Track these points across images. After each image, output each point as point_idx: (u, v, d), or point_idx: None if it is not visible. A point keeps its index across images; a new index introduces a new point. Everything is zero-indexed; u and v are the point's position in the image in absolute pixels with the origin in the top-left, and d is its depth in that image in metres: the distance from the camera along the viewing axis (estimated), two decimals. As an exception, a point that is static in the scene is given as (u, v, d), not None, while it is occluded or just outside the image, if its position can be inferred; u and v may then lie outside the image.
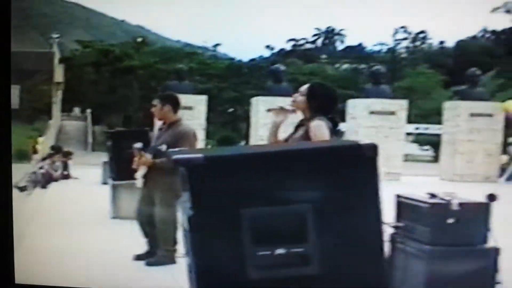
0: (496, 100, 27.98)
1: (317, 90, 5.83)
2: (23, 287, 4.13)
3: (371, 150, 4.08)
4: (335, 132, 5.60)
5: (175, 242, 7.53)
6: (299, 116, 5.79)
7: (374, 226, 4.21)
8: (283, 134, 5.78)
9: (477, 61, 47.83)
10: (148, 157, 7.53)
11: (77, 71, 45.57)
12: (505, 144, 25.19)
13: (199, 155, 3.93)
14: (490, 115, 24.00)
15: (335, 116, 5.73)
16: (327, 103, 5.72)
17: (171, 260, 7.52)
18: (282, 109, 5.80)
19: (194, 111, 23.11)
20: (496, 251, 5.21)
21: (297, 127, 5.71)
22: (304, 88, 5.79)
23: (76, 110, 51.87)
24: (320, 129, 5.47)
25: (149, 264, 7.53)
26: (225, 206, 3.91)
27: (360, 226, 4.13)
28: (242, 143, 35.07)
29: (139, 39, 52.61)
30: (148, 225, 7.68)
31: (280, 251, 3.90)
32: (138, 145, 7.62)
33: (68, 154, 20.38)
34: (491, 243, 5.25)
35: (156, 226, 7.62)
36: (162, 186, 7.34)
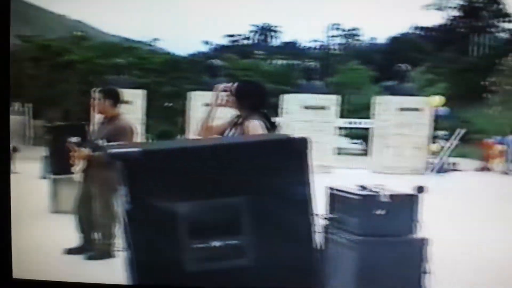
0: (425, 95, 28.38)
1: (245, 89, 5.75)
2: (21, 281, 4.07)
3: (303, 144, 4.09)
4: (269, 127, 5.59)
5: (113, 236, 7.45)
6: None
7: (306, 217, 4.22)
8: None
9: (407, 57, 48.39)
10: (85, 151, 7.43)
11: (17, 66, 44.83)
12: (435, 138, 25.60)
13: (136, 149, 3.88)
14: (418, 110, 24.33)
15: (268, 111, 5.71)
16: (257, 100, 5.67)
17: (110, 254, 7.45)
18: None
19: (132, 106, 22.95)
20: (424, 241, 5.27)
21: (233, 125, 5.66)
22: (233, 86, 5.71)
23: (16, 105, 51.10)
24: (256, 129, 5.43)
25: (88, 258, 7.45)
26: (162, 200, 3.88)
27: (293, 218, 4.13)
28: (181, 137, 34.94)
29: (79, 34, 51.95)
30: (86, 219, 7.60)
31: (216, 243, 3.88)
32: (74, 139, 7.51)
33: (15, 150, 20.04)
34: (419, 234, 5.30)
35: (94, 220, 7.54)
36: (100, 180, 7.24)
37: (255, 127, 5.44)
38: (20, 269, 6.49)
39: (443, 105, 26.60)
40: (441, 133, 26.21)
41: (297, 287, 4.13)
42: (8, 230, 3.65)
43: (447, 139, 26.04)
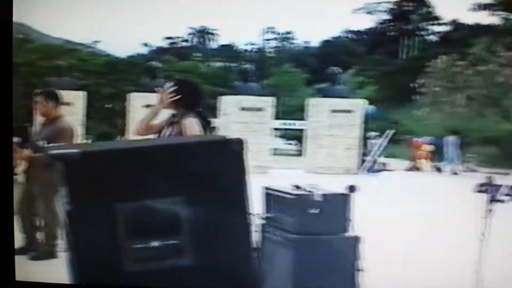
0: (356, 97, 28.63)
1: (183, 87, 5.76)
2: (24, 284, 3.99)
3: (239, 144, 4.11)
4: (205, 126, 5.60)
5: (55, 237, 7.36)
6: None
7: (242, 217, 4.23)
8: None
9: (338, 60, 48.77)
10: (26, 152, 7.33)
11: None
12: (366, 138, 25.85)
13: (75, 150, 3.85)
14: (349, 111, 24.51)
15: (204, 110, 5.72)
16: (194, 99, 5.70)
17: (53, 255, 7.36)
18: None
19: (73, 107, 22.66)
20: (356, 239, 5.30)
21: (171, 124, 5.65)
22: (169, 86, 5.71)
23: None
24: (192, 126, 5.46)
25: (31, 258, 7.33)
26: (101, 200, 3.85)
27: (230, 217, 4.14)
28: (120, 138, 34.58)
29: (21, 37, 51.09)
30: (28, 220, 7.49)
31: (155, 243, 3.86)
32: (15, 140, 7.40)
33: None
34: (351, 232, 5.34)
35: (36, 221, 7.44)
36: (41, 181, 7.14)
37: (191, 124, 5.47)
38: (23, 272, 6.36)
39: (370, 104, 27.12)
40: (372, 134, 26.51)
41: (235, 285, 4.13)
42: (11, 233, 3.59)
43: (377, 139, 26.32)
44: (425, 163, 27.95)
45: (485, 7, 41.78)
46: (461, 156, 27.84)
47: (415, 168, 27.19)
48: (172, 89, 5.66)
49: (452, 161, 27.54)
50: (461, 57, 34.18)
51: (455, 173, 25.88)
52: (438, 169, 28.71)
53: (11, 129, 3.54)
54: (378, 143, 25.20)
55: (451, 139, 28.26)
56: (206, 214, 4.01)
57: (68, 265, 3.96)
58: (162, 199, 3.92)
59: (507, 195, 4.95)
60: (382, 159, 26.70)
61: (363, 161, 25.68)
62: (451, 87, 33.26)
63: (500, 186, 4.99)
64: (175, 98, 5.62)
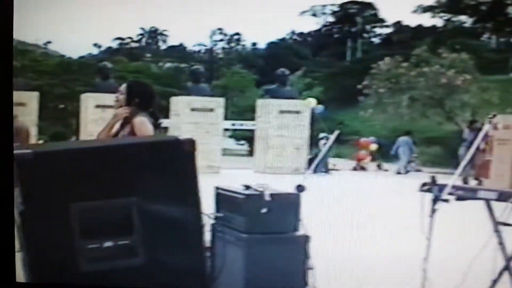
0: (303, 98, 28.73)
1: (134, 88, 5.81)
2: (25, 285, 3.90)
3: (190, 145, 4.10)
4: (157, 126, 5.62)
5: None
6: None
7: (194, 216, 4.22)
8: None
9: (286, 62, 48.88)
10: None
11: None
12: (314, 139, 25.93)
13: (28, 151, 3.80)
14: (298, 112, 24.59)
15: (156, 111, 5.75)
16: (145, 99, 5.72)
17: None
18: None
19: (26, 108, 22.32)
20: (306, 238, 5.31)
21: (123, 124, 5.65)
22: (122, 87, 5.75)
23: None
24: (143, 124, 5.47)
25: None
26: (55, 201, 3.81)
27: (181, 217, 4.12)
28: (73, 138, 34.25)
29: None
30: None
31: (108, 243, 3.83)
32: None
33: None
34: (301, 231, 5.34)
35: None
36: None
37: (142, 123, 5.49)
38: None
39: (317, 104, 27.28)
40: (322, 134, 26.64)
41: (188, 284, 4.12)
42: (12, 233, 3.52)
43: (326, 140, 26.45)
44: (369, 163, 28.19)
45: (427, 9, 42.17)
46: (412, 156, 28.16)
47: (360, 168, 27.38)
48: (124, 90, 5.68)
49: (404, 161, 27.86)
50: (404, 58, 34.52)
51: (399, 173, 26.12)
52: (381, 168, 29.04)
53: (11, 129, 3.49)
54: (325, 143, 25.35)
55: (401, 139, 28.56)
56: (158, 214, 3.99)
57: (22, 265, 3.90)
58: (115, 199, 3.89)
59: (451, 194, 5.00)
60: (329, 159, 26.86)
61: (311, 161, 25.84)
62: (395, 88, 33.57)
63: (444, 185, 5.04)
64: (122, 96, 5.65)
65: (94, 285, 3.79)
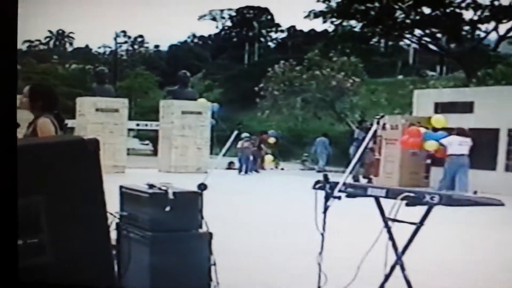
0: (204, 99, 28.75)
1: (37, 91, 5.77)
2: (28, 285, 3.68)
3: (93, 144, 4.04)
4: (61, 127, 5.57)
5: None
6: None
7: (100, 215, 4.16)
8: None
9: (187, 64, 48.84)
10: None
11: None
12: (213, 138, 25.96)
13: None
14: (199, 113, 24.59)
15: (60, 112, 5.70)
16: (48, 101, 5.68)
17: None
18: None
19: None
20: (209, 235, 5.30)
21: (29, 126, 5.58)
22: (25, 89, 5.69)
23: None
24: (45, 125, 5.45)
25: None
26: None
27: (87, 216, 4.06)
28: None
29: None
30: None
31: (18, 242, 3.73)
32: None
33: None
34: (204, 228, 5.33)
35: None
36: None
37: (44, 124, 5.46)
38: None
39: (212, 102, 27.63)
40: (243, 134, 26.74)
41: (95, 282, 4.06)
42: (15, 233, 3.33)
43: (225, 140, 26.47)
44: (268, 162, 28.45)
45: (319, 14, 42.73)
46: (328, 156, 28.59)
47: (260, 166, 27.55)
48: (27, 93, 5.64)
49: (323, 160, 28.27)
50: (298, 62, 35.02)
51: (319, 171, 26.47)
52: (278, 167, 29.36)
53: (15, 128, 3.33)
54: (243, 144, 25.42)
55: (319, 140, 29.00)
56: (65, 213, 3.92)
57: None
58: (22, 198, 3.79)
59: (342, 191, 5.07)
60: (230, 159, 27.02)
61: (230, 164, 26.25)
62: (289, 90, 34.02)
63: (336, 183, 5.11)
64: (26, 99, 5.63)
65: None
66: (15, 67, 3.22)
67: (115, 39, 74.12)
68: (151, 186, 5.41)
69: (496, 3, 37.15)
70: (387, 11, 39.01)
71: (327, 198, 5.11)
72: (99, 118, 22.65)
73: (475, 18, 38.46)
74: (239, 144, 24.47)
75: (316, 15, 42.87)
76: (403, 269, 5.22)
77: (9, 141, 3.21)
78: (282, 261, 7.94)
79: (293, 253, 8.39)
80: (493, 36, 40.75)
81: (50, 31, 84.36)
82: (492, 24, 38.56)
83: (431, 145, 18.72)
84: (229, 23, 75.79)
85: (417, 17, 39.36)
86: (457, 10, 38.54)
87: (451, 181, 17.29)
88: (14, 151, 3.21)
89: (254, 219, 11.86)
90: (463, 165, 17.18)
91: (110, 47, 74.65)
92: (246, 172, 25.00)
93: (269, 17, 73.68)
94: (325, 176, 5.34)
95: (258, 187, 20.62)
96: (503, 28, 38.59)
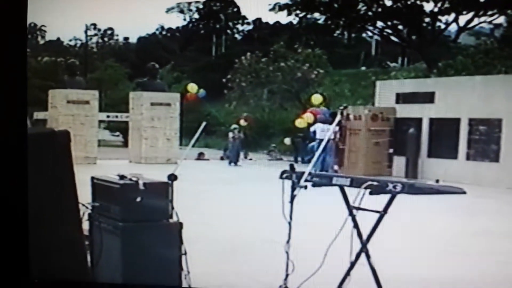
0: (173, 91, 28.63)
1: None
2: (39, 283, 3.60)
3: (64, 136, 4.01)
4: (32, 122, 5.50)
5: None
6: None
7: (71, 206, 4.13)
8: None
9: (156, 56, 48.48)
10: None
11: None
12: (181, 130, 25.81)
13: None
14: (168, 104, 24.47)
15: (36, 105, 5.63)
16: None
17: None
18: None
19: None
20: (179, 225, 5.28)
21: None
22: None
23: None
24: None
25: None
26: None
27: (59, 207, 4.03)
28: None
29: None
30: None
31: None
32: None
33: None
34: (174, 218, 5.31)
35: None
36: None
37: None
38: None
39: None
40: (232, 126, 26.66)
41: (69, 272, 4.04)
42: (26, 231, 3.27)
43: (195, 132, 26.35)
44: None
45: (283, 7, 42.60)
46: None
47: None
48: None
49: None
50: (264, 54, 34.97)
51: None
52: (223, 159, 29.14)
53: (26, 129, 3.28)
54: (233, 136, 25.33)
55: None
56: (36, 204, 3.88)
57: None
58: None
59: (308, 181, 5.09)
60: (199, 149, 26.92)
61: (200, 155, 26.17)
62: (256, 82, 33.99)
63: (302, 173, 5.13)
64: None
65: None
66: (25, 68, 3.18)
67: (85, 31, 73.31)
68: (122, 177, 5.37)
69: (456, -5, 37.35)
70: (350, 3, 39.04)
71: (293, 187, 5.12)
72: (70, 110, 22.45)
73: (436, 9, 38.64)
74: (230, 136, 24.58)
75: (281, 7, 42.72)
76: (368, 256, 5.23)
77: (20, 140, 3.17)
78: (251, 250, 7.96)
79: (260, 242, 8.41)
80: (453, 28, 41.01)
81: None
82: (452, 16, 38.79)
83: (308, 117, 24.90)
84: (196, 16, 75.33)
85: (379, 9, 39.44)
86: (418, 2, 38.70)
87: (322, 161, 19.62)
88: (25, 149, 3.17)
89: (224, 209, 11.86)
90: (326, 148, 18.29)
91: (81, 40, 73.80)
92: (235, 163, 24.88)
93: (235, 9, 73.34)
94: (291, 166, 5.33)
95: (229, 177, 20.58)
96: (463, 19, 38.85)
